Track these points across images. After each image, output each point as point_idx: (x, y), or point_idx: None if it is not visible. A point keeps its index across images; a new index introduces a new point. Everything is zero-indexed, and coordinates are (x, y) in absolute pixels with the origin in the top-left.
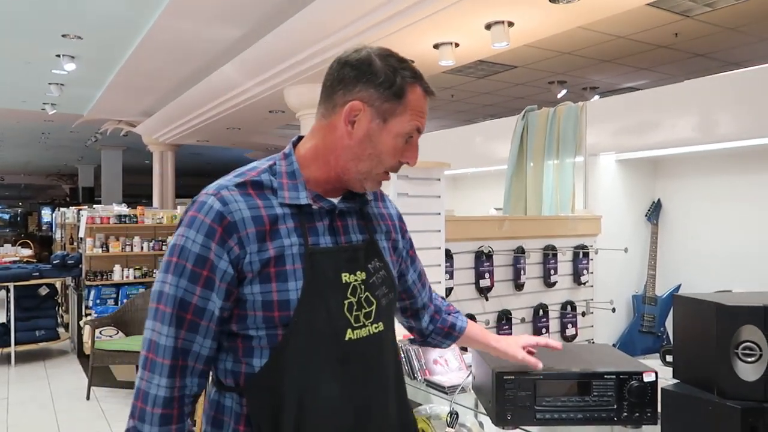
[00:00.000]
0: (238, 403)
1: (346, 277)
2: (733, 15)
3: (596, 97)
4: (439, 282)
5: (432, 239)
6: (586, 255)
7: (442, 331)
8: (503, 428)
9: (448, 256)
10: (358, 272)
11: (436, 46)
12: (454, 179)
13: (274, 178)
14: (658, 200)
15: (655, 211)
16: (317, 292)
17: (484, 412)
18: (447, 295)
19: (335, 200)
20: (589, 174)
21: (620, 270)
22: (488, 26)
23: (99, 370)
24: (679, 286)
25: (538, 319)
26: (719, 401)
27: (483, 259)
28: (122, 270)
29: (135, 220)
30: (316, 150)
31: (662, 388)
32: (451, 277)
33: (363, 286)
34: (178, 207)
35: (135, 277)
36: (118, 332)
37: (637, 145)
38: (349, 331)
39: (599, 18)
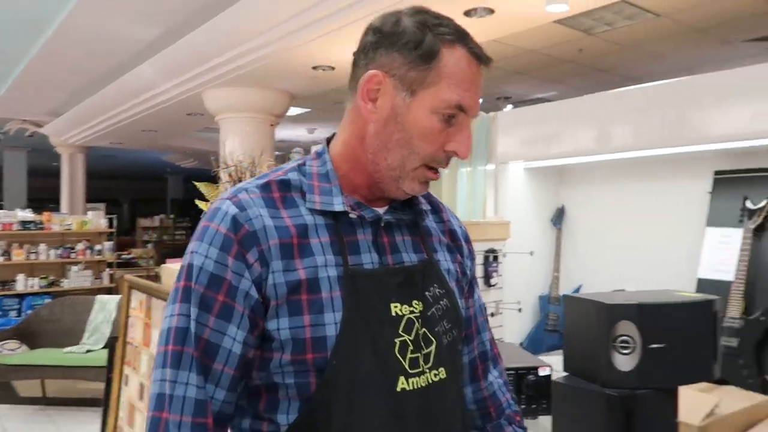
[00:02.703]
0: None
1: (396, 308)
2: (629, 34)
3: (509, 106)
4: None
5: None
6: (495, 258)
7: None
8: None
9: None
10: (414, 302)
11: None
12: None
13: (303, 178)
14: (562, 206)
15: (559, 217)
16: (361, 327)
17: None
18: None
19: (381, 210)
20: (499, 181)
21: (528, 272)
22: None
23: (0, 386)
24: (581, 286)
25: None
26: (600, 391)
27: None
28: (26, 279)
29: (41, 226)
30: (345, 145)
31: (553, 381)
32: None
33: (420, 320)
34: (89, 212)
35: (40, 287)
36: (21, 345)
37: (543, 154)
38: (402, 379)
39: (510, 33)
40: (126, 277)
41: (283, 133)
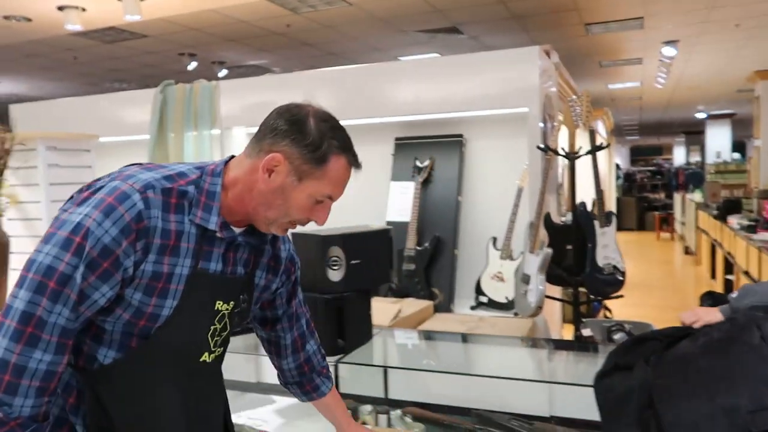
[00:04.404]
0: (73, 377)
1: (219, 304)
2: (329, 17)
3: (224, 71)
4: None
5: None
6: None
7: (302, 387)
8: None
9: None
10: (231, 302)
11: (60, 9)
12: (102, 147)
13: (196, 192)
14: None
15: None
16: (188, 314)
17: None
18: None
19: (238, 231)
20: (225, 144)
21: None
22: None
23: None
24: None
25: None
26: (320, 296)
27: None
28: None
29: None
30: (236, 181)
31: None
32: None
33: (227, 315)
34: None
35: None
36: None
37: (261, 120)
38: (206, 354)
39: (225, 5)
40: None
41: None
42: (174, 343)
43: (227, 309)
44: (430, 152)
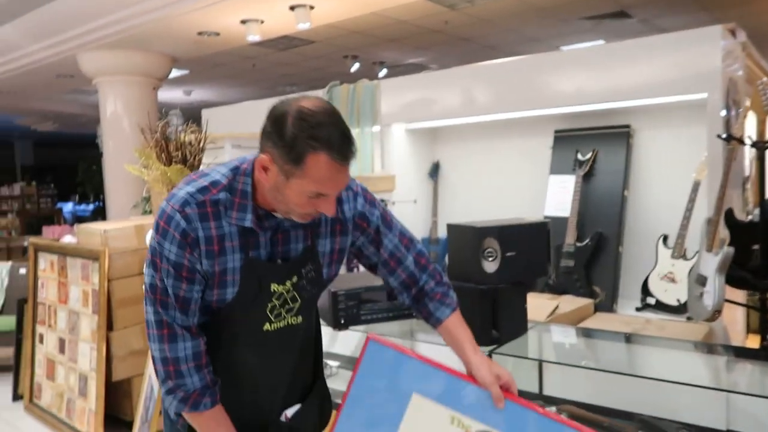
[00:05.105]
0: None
1: (274, 286)
2: (486, 10)
3: (384, 70)
4: None
5: None
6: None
7: (421, 313)
8: (338, 330)
9: None
10: (288, 281)
11: (243, 22)
12: None
13: (230, 195)
14: (437, 161)
15: (435, 171)
16: (246, 295)
17: (323, 322)
18: None
19: (281, 215)
20: (384, 141)
21: (412, 218)
22: (292, 8)
23: None
24: None
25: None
26: (475, 287)
27: None
28: None
29: None
30: (258, 178)
31: None
32: None
33: (292, 289)
34: None
35: None
36: None
37: (420, 117)
38: (267, 324)
39: (387, 7)
40: (32, 240)
41: (159, 94)
42: (237, 316)
43: (285, 289)
44: (593, 144)
